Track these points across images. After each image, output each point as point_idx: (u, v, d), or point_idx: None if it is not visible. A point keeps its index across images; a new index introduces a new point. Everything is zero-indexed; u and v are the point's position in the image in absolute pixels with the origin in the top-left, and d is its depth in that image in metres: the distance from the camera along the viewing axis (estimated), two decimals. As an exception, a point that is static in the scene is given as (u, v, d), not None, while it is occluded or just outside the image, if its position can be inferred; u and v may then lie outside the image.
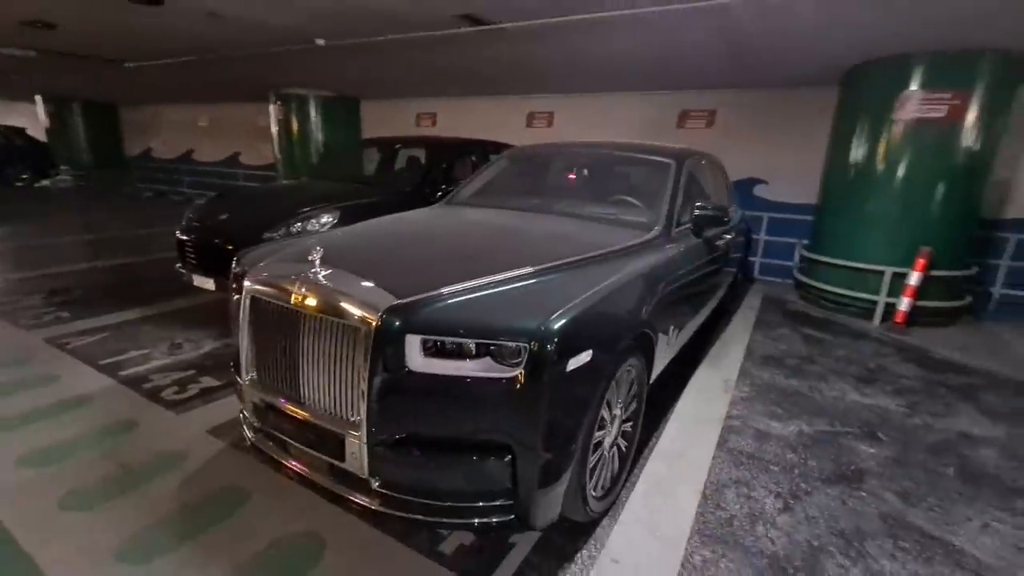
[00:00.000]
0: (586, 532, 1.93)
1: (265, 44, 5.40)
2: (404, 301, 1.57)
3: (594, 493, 1.90)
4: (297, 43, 5.26)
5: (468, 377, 1.54)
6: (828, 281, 5.18)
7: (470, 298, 1.65)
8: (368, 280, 1.71)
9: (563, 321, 1.55)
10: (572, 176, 3.64)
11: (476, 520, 1.61)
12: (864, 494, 2.24)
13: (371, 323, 1.53)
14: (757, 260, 6.53)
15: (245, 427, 2.08)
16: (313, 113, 8.96)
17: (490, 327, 1.53)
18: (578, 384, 1.64)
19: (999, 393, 3.37)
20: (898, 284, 4.62)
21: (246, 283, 1.89)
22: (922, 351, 4.11)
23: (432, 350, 1.55)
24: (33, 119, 13.90)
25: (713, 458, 2.44)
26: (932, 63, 4.35)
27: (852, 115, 5.00)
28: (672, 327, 2.58)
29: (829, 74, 5.13)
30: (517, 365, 1.50)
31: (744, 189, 6.39)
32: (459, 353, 1.55)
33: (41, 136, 13.65)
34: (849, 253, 4.98)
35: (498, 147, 5.59)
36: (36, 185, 13.17)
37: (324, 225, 3.66)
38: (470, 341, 1.52)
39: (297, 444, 1.80)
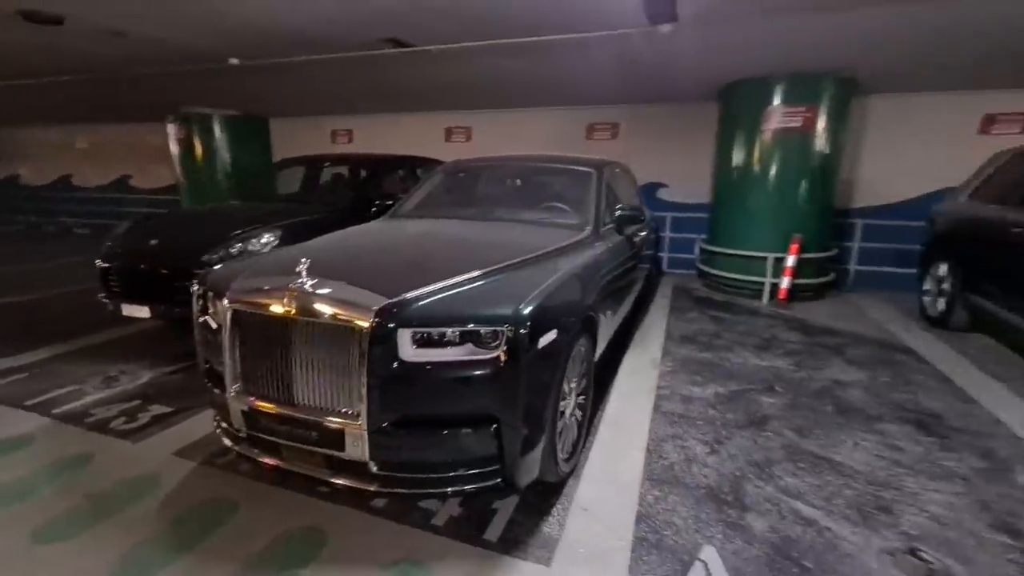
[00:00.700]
0: (556, 491, 2.23)
1: (173, 63, 5.19)
2: (394, 300, 1.79)
3: (562, 455, 2.21)
4: (209, 62, 5.12)
5: (454, 361, 1.79)
6: (725, 269, 5.98)
7: (450, 294, 1.91)
8: (356, 285, 1.90)
9: (531, 307, 1.86)
10: (505, 186, 3.97)
11: (468, 486, 1.86)
12: (769, 433, 2.76)
13: (367, 322, 1.74)
14: (665, 256, 7.29)
15: (226, 438, 2.15)
16: (218, 132, 8.55)
17: (473, 316, 1.79)
18: (546, 360, 1.94)
19: (860, 348, 4.17)
20: (779, 267, 5.47)
21: (224, 300, 1.99)
22: (802, 321, 4.92)
23: (421, 341, 1.78)
24: None
25: (651, 420, 2.88)
26: (790, 82, 5.25)
27: (731, 125, 5.84)
28: (609, 312, 2.98)
29: (710, 91, 5.95)
30: (497, 347, 1.78)
31: (649, 192, 7.12)
32: (444, 342, 1.79)
33: None
34: (739, 243, 5.79)
35: (425, 162, 5.81)
36: None
37: (265, 245, 3.67)
38: (456, 329, 1.78)
39: (291, 443, 1.92)
